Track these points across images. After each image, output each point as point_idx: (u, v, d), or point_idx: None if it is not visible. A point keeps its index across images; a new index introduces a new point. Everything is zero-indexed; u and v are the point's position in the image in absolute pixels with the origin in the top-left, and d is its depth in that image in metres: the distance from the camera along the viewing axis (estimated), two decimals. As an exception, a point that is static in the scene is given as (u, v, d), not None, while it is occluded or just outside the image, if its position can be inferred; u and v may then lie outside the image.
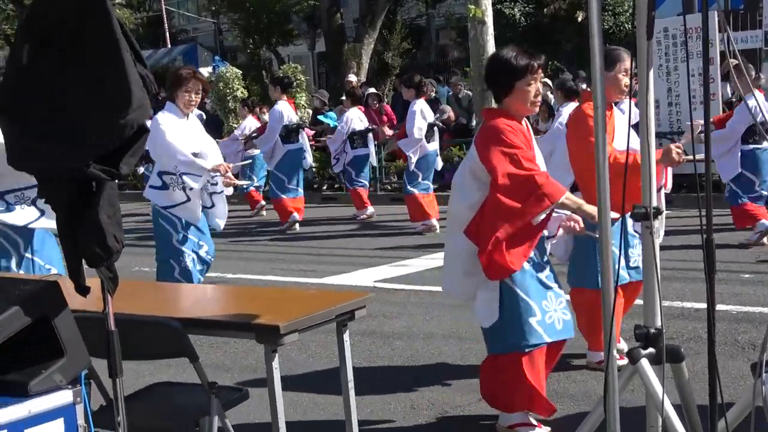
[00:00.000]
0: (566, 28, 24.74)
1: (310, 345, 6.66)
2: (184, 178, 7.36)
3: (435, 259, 10.33)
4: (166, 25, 35.59)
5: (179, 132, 7.35)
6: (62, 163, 2.45)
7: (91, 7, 2.44)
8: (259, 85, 26.86)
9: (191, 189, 7.38)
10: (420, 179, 12.70)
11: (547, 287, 4.73)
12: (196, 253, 7.60)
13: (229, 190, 7.95)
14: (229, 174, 7.61)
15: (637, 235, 5.58)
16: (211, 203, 7.68)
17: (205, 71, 28.18)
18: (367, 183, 14.45)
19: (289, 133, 13.18)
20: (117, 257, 2.62)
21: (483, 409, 5.32)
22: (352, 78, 20.64)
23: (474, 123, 17.07)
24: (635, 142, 3.79)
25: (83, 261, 2.59)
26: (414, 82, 12.97)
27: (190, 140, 7.43)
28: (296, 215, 13.23)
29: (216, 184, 7.61)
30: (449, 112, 17.87)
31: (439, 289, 8.69)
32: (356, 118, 14.06)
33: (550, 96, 15.02)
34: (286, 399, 3.83)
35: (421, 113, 12.48)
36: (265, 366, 3.66)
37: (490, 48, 15.59)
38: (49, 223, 5.54)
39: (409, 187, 12.71)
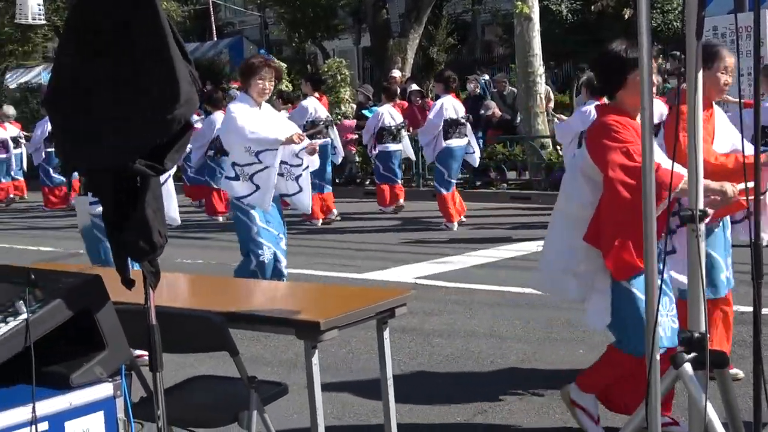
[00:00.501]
0: (613, 25, 24.47)
1: (350, 341, 6.66)
2: (261, 156, 7.21)
3: (476, 257, 10.31)
4: (212, 18, 35.77)
5: (251, 118, 7.22)
6: (110, 157, 2.45)
7: (138, 0, 2.44)
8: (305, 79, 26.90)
9: (267, 168, 7.20)
10: (445, 176, 12.63)
11: (663, 292, 4.48)
12: (277, 246, 7.44)
13: (315, 162, 7.75)
14: (305, 141, 7.47)
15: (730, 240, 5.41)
16: (298, 187, 7.55)
17: (251, 64, 28.30)
18: (396, 179, 14.42)
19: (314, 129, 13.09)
20: (161, 252, 2.63)
21: (522, 409, 5.30)
22: (396, 73, 20.60)
23: (518, 120, 16.99)
24: (738, 143, 3.65)
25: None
26: (443, 76, 12.97)
27: (263, 127, 7.27)
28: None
29: (300, 165, 7.49)
30: (494, 109, 17.79)
31: (480, 286, 8.74)
32: (387, 114, 14.07)
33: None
34: (324, 394, 3.82)
35: (442, 108, 12.45)
36: (304, 360, 3.66)
37: (536, 44, 15.52)
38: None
39: (438, 185, 12.76)
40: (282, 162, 7.34)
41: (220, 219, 14.29)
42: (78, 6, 2.54)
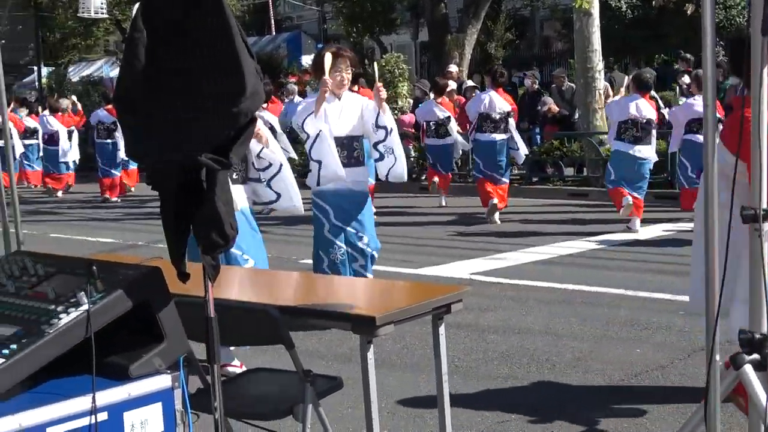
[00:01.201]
0: (675, 20, 24.16)
1: (405, 335, 6.66)
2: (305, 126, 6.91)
3: (532, 253, 10.25)
4: (271, 12, 35.97)
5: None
6: (178, 152, 2.47)
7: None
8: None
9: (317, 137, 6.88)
10: (481, 167, 12.86)
11: None
12: (354, 245, 7.10)
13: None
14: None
15: None
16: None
17: (308, 59, 28.43)
18: (445, 172, 14.53)
19: None
20: (232, 244, 2.65)
21: (578, 408, 5.26)
22: (453, 68, 20.53)
23: (577, 116, 16.85)
24: None
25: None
26: (491, 70, 13.32)
27: (338, 124, 7.00)
28: None
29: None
30: (550, 104, 17.66)
31: (536, 283, 8.69)
32: (432, 109, 14.19)
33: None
34: (379, 389, 3.82)
35: (480, 100, 12.82)
36: (359, 355, 3.66)
37: (595, 40, 15.37)
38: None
39: (474, 172, 13.29)
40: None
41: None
42: (144, 2, 2.56)
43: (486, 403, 5.40)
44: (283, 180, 6.16)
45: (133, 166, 18.24)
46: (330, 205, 7.05)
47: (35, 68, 34.20)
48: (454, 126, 14.27)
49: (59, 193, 19.39)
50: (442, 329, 3.92)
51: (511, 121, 12.70)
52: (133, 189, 18.63)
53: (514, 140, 12.77)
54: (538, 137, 18.31)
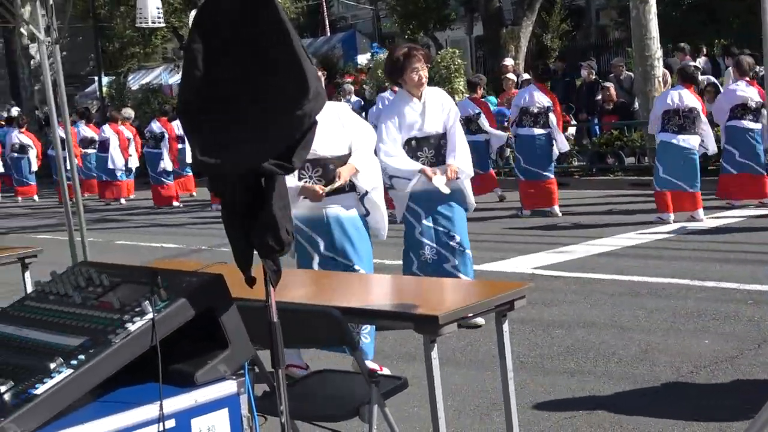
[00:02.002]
0: (734, 5, 23.77)
1: (469, 332, 6.64)
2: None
3: (596, 246, 10.16)
4: (325, 13, 36.09)
5: (399, 115, 6.86)
6: (244, 159, 2.48)
7: (259, 1, 2.46)
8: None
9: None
10: (522, 162, 12.91)
11: None
12: (446, 245, 6.97)
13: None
14: None
15: None
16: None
17: (364, 58, 28.50)
18: (482, 171, 14.46)
19: None
20: (288, 249, 2.66)
21: (647, 402, 5.20)
22: (509, 62, 20.43)
23: (636, 105, 16.65)
24: None
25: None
26: (532, 65, 14.06)
27: (420, 123, 6.89)
28: None
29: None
30: (611, 89, 17.47)
31: (600, 276, 8.61)
32: (465, 105, 14.25)
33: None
34: (444, 387, 3.81)
35: (520, 95, 13.10)
36: (423, 353, 3.65)
37: (653, 28, 15.17)
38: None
39: (516, 170, 13.37)
40: None
41: None
42: (202, 10, 2.58)
43: (553, 399, 5.37)
44: (373, 202, 5.95)
45: (188, 174, 18.62)
46: (421, 207, 6.94)
47: (96, 78, 34.73)
48: (484, 121, 14.22)
49: (122, 200, 19.72)
50: (506, 326, 3.90)
51: (552, 117, 12.64)
52: (194, 194, 18.90)
53: (552, 136, 12.74)
54: (597, 128, 18.13)
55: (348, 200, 5.80)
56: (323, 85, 2.55)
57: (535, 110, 12.55)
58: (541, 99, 12.62)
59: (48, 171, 22.28)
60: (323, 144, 5.54)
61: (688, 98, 11.16)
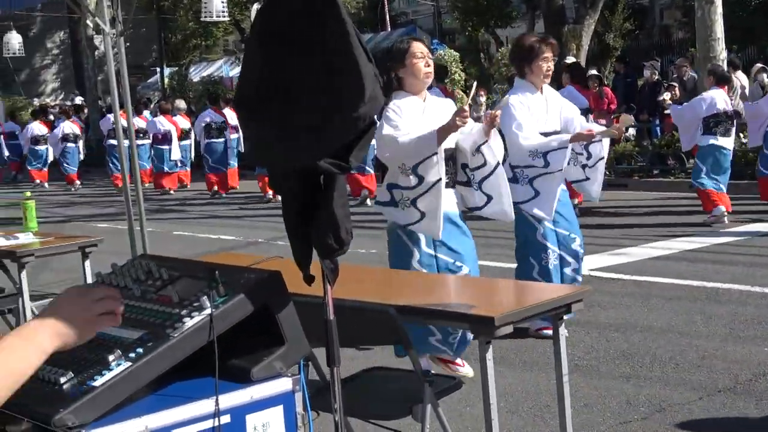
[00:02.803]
0: (802, 6, 23.38)
1: (523, 333, 6.59)
2: (548, 157, 6.43)
3: (654, 248, 10.04)
4: (386, 8, 36.10)
5: (529, 113, 6.52)
6: (298, 157, 2.49)
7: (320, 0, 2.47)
8: (477, 68, 26.83)
9: (551, 173, 6.47)
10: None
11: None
12: (567, 248, 6.69)
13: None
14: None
15: None
16: (585, 176, 6.82)
17: (424, 54, 28.42)
18: None
19: None
20: (347, 248, 2.66)
21: (703, 409, 5.12)
22: (570, 60, 20.25)
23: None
24: None
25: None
26: (569, 66, 14.26)
27: (546, 118, 6.59)
28: None
29: (583, 153, 6.70)
30: (675, 89, 17.26)
31: (658, 279, 8.51)
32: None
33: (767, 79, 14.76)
34: (498, 388, 3.80)
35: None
36: (478, 354, 3.64)
37: (718, 28, 14.98)
38: (428, 228, 5.42)
39: None
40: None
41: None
42: (264, 9, 2.59)
43: (608, 403, 5.31)
44: (497, 182, 5.61)
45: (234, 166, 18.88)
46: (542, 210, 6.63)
47: (158, 69, 35.14)
48: None
49: (172, 191, 20.02)
50: (562, 329, 3.86)
51: (587, 119, 12.70)
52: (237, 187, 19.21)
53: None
54: (658, 129, 17.92)
55: (449, 196, 5.60)
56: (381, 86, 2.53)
57: None
58: (580, 100, 12.77)
59: (101, 160, 22.87)
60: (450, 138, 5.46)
61: (728, 101, 11.52)
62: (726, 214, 11.40)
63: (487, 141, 5.51)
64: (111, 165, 21.37)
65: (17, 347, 1.84)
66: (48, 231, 7.63)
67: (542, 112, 6.61)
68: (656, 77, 18.77)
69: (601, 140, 6.71)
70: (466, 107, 5.29)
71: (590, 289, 4.08)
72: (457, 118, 5.23)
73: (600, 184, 6.91)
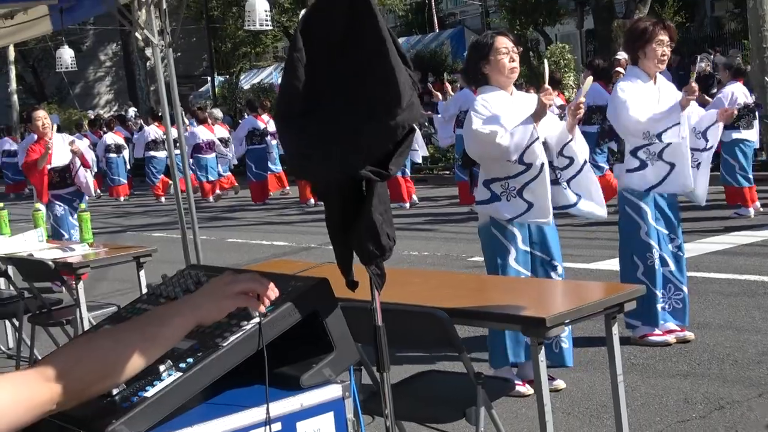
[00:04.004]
0: None
1: (577, 332, 6.54)
2: (664, 137, 6.08)
3: (711, 244, 9.91)
4: (433, 9, 36.12)
5: (641, 101, 6.18)
6: (341, 165, 2.50)
7: (360, 10, 2.48)
8: (526, 66, 26.69)
9: (672, 144, 6.12)
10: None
11: None
12: (666, 249, 6.36)
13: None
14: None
15: None
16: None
17: (472, 54, 28.39)
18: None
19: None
20: (390, 254, 2.66)
21: (763, 407, 5.04)
22: (621, 55, 20.04)
23: (753, 98, 16.19)
24: None
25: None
26: (590, 63, 14.26)
27: (657, 108, 6.19)
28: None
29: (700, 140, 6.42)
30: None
31: (715, 275, 8.39)
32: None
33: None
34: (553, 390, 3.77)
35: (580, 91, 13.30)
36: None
37: (771, 18, 14.75)
38: (538, 215, 5.37)
39: None
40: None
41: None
42: (305, 18, 2.60)
43: (665, 402, 5.25)
44: (585, 179, 5.49)
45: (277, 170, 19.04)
46: (647, 204, 6.32)
47: (209, 78, 35.47)
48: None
49: (210, 198, 20.22)
50: (615, 329, 3.83)
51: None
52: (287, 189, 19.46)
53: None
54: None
55: None
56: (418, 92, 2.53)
57: (586, 107, 12.58)
58: (596, 98, 13.03)
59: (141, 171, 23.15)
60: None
61: (747, 94, 11.61)
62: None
63: (572, 139, 5.44)
64: (151, 176, 21.72)
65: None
66: (104, 242, 7.73)
67: (653, 101, 6.25)
68: (710, 69, 18.54)
69: (717, 124, 6.48)
70: (547, 86, 5.29)
71: (643, 288, 4.03)
72: (542, 96, 5.21)
73: (705, 184, 6.63)
